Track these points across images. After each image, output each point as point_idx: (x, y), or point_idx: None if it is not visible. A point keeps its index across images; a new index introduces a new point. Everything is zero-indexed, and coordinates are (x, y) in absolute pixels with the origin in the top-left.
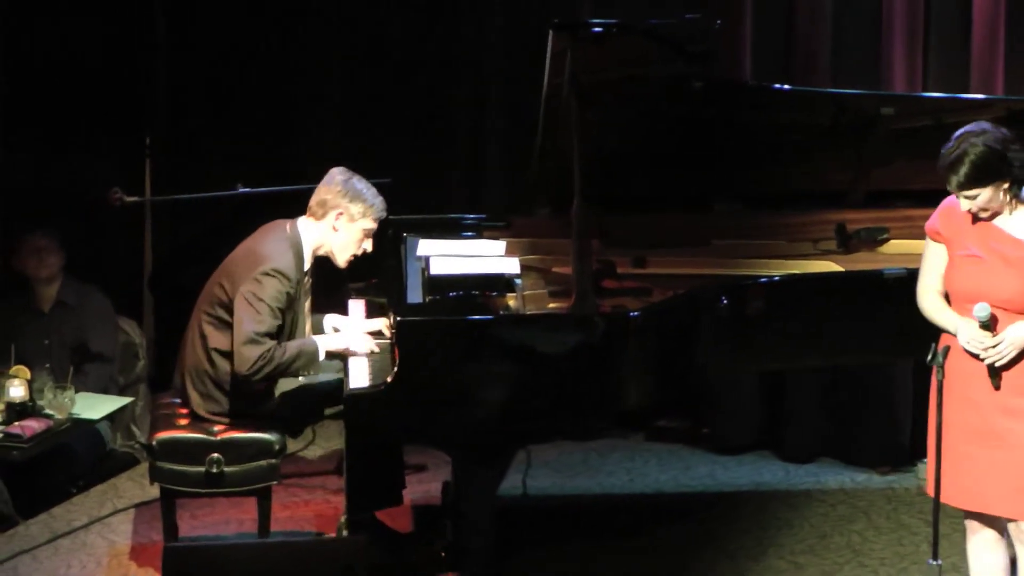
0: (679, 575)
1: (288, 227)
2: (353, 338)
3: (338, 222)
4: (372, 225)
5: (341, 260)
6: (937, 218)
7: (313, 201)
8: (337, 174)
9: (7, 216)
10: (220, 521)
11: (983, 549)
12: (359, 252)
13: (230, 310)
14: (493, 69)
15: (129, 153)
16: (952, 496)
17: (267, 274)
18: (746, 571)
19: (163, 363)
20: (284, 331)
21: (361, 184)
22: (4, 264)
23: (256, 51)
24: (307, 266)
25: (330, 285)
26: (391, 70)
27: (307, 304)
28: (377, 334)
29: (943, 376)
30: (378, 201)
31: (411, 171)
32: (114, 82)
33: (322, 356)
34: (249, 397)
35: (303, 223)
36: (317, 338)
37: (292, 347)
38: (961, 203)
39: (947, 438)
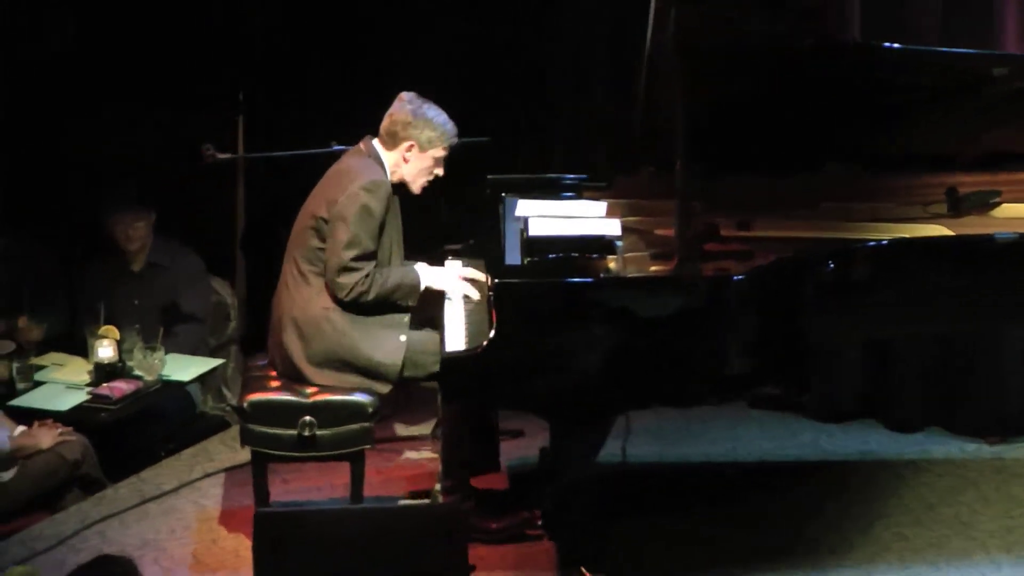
0: (782, 545)
1: (363, 146)
2: (454, 276)
3: (409, 153)
4: (443, 153)
5: (415, 187)
6: None
7: (383, 129)
8: (406, 101)
9: (99, 173)
10: (312, 486)
11: None
12: (432, 178)
13: (324, 237)
14: (595, 25)
15: (222, 108)
16: None
17: (365, 189)
18: (852, 542)
19: (255, 324)
20: (384, 251)
21: (432, 111)
22: (96, 223)
23: (353, 4)
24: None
25: (426, 246)
26: (491, 24)
27: (398, 226)
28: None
29: None
30: (449, 127)
31: (510, 129)
32: (207, 35)
33: (423, 287)
34: (340, 337)
35: (377, 145)
36: (419, 269)
37: (394, 276)
38: None
39: None
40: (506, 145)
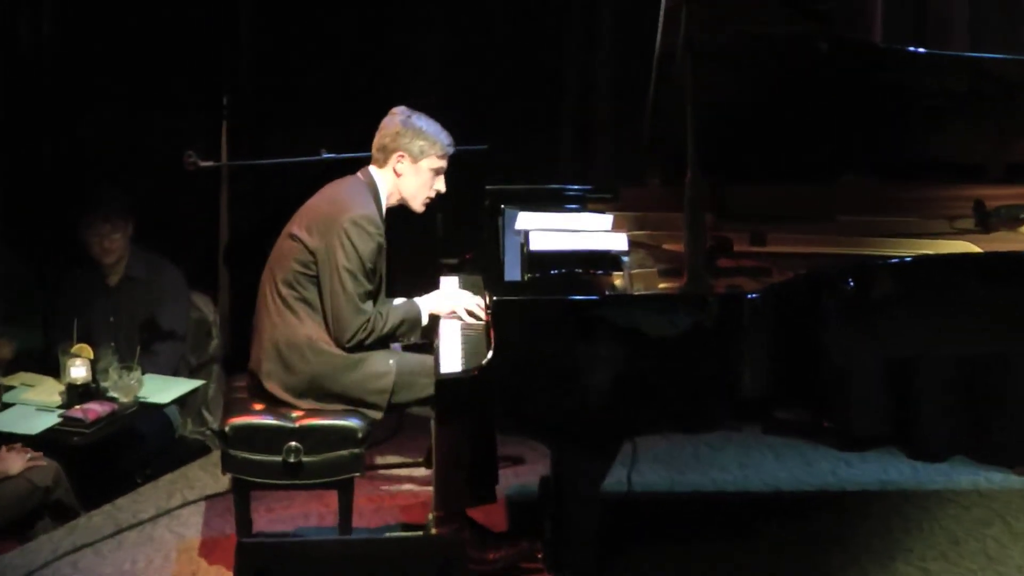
0: None
1: (361, 174)
2: (455, 295)
3: (400, 165)
4: (439, 163)
5: (416, 205)
6: None
7: (374, 146)
8: (397, 113)
9: (74, 180)
10: (298, 515)
11: None
12: (432, 194)
13: (307, 263)
14: (602, 27)
15: (205, 113)
16: None
17: (355, 224)
18: None
19: (239, 342)
20: (377, 291)
21: (422, 121)
22: (71, 233)
23: (347, 4)
24: (383, 215)
25: (420, 261)
26: (492, 27)
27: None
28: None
29: None
30: (442, 136)
31: (511, 137)
32: (189, 34)
33: (425, 320)
34: (326, 365)
35: (373, 171)
36: (419, 302)
37: (395, 314)
38: None
39: None
40: (505, 153)
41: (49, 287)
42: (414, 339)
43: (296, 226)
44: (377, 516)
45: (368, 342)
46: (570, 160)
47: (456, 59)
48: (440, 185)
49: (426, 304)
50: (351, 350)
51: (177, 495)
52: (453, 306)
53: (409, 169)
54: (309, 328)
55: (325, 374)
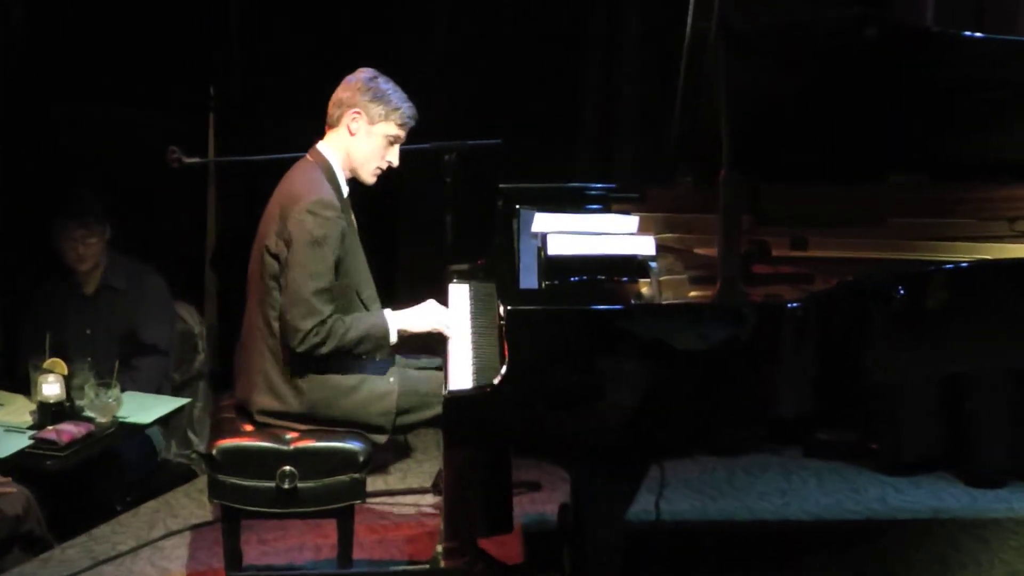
0: None
1: (310, 155)
2: (433, 312)
3: (355, 123)
4: (396, 131)
5: (364, 174)
6: None
7: (330, 103)
8: (362, 71)
9: (48, 180)
10: (293, 547)
11: None
12: (383, 165)
13: (279, 275)
14: (627, 11)
15: (190, 106)
16: None
17: (309, 212)
18: None
19: (227, 357)
20: (352, 280)
21: (388, 85)
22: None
23: None
24: (345, 192)
25: (428, 267)
26: (504, 12)
27: (358, 242)
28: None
29: None
30: (405, 106)
31: (527, 131)
32: (173, 23)
33: (393, 339)
34: (320, 392)
35: (323, 145)
36: (389, 316)
37: (358, 325)
38: None
39: None
40: (521, 149)
41: (19, 297)
42: (379, 357)
43: (261, 234)
44: (380, 548)
45: (324, 351)
46: (592, 156)
47: (465, 47)
48: (393, 157)
49: (396, 320)
50: (305, 358)
51: (160, 525)
52: (431, 325)
53: (363, 129)
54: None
55: (322, 401)
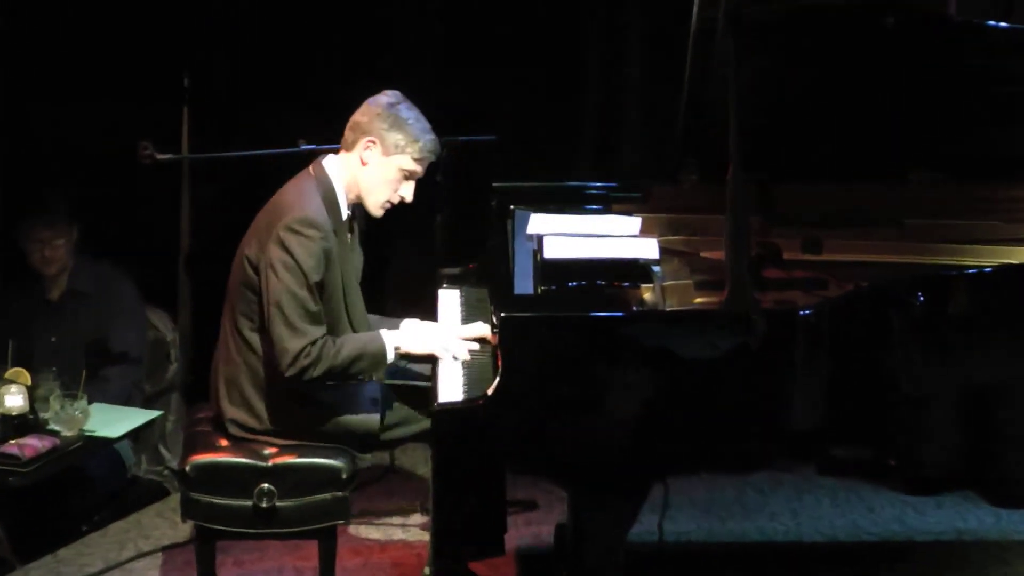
0: None
1: (312, 169)
2: (437, 334)
3: (368, 152)
4: (413, 166)
5: (371, 204)
6: None
7: (348, 125)
8: (384, 95)
9: (11, 178)
10: (271, 569)
11: None
12: (394, 199)
13: (257, 288)
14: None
15: (163, 98)
16: None
17: (290, 230)
18: None
19: (201, 367)
20: (334, 306)
21: (410, 113)
22: (5, 241)
23: None
24: (345, 214)
25: (417, 271)
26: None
27: (354, 268)
28: (481, 343)
29: None
30: (427, 137)
31: (522, 126)
32: (144, 7)
33: (390, 359)
34: (302, 408)
35: (331, 160)
36: (386, 334)
37: (350, 345)
38: None
39: None
40: (516, 145)
41: None
42: (376, 377)
43: (245, 244)
44: (364, 571)
45: (316, 374)
46: (591, 153)
47: (459, 36)
48: (407, 192)
49: (395, 339)
50: (295, 382)
51: (130, 545)
52: (431, 349)
53: (377, 161)
54: (273, 369)
55: (300, 417)
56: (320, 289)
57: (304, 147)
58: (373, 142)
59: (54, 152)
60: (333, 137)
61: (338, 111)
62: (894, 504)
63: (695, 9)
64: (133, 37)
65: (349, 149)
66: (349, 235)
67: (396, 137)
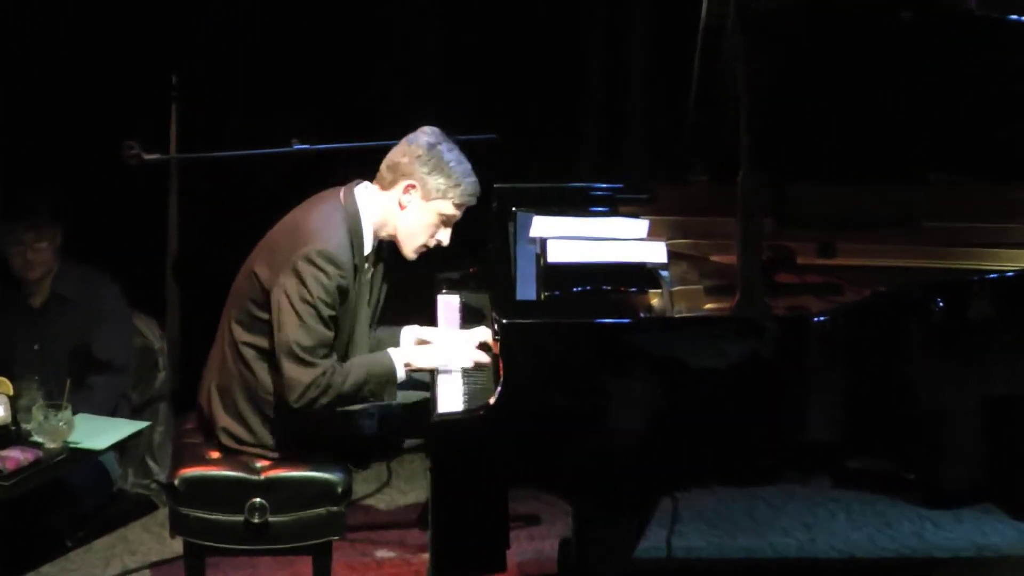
0: None
1: (343, 195)
2: (446, 348)
3: (407, 196)
4: (453, 211)
5: (407, 249)
6: None
7: (384, 163)
8: (424, 134)
9: None
10: None
11: None
12: (431, 243)
13: (265, 305)
14: None
15: (150, 96)
16: None
17: (309, 261)
18: None
19: (190, 375)
20: (340, 339)
21: (451, 154)
22: None
23: None
24: (368, 248)
25: (416, 275)
26: None
27: (370, 302)
28: (482, 349)
29: None
30: (468, 182)
31: (524, 125)
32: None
33: (401, 376)
34: (295, 421)
35: (364, 191)
36: (394, 353)
37: (357, 368)
38: None
39: None
40: (519, 145)
41: None
42: (388, 398)
43: (256, 255)
44: None
45: (325, 402)
46: (596, 153)
47: (458, 32)
48: (444, 236)
49: (403, 357)
50: (303, 412)
51: (116, 561)
52: (442, 360)
53: (416, 205)
54: (267, 383)
55: (294, 430)
56: (332, 321)
57: (297, 147)
58: (413, 186)
59: (36, 151)
60: (326, 135)
61: (330, 109)
62: (912, 518)
63: (704, 3)
64: (119, 32)
65: (386, 188)
66: (372, 269)
67: (438, 182)
